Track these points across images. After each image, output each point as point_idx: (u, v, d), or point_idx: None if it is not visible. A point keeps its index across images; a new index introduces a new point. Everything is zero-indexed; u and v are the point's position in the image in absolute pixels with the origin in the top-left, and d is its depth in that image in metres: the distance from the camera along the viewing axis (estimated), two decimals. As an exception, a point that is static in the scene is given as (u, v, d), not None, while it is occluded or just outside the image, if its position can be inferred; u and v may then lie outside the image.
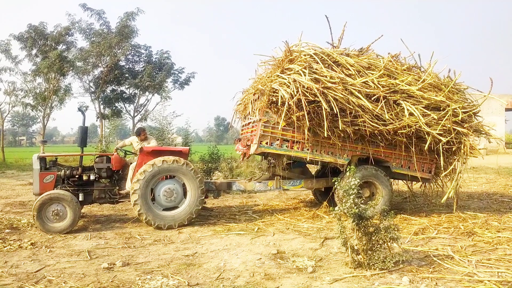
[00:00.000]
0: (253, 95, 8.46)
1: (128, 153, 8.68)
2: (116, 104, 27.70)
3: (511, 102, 32.17)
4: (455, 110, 7.79)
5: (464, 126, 7.92)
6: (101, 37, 24.77)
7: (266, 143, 7.79)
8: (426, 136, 7.63)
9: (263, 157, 9.62)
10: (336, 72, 7.48)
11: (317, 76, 7.31)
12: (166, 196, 7.42)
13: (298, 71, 7.39)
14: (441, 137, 7.60)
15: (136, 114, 28.47)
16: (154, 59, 27.89)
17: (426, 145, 7.65)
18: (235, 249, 5.98)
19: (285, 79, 7.37)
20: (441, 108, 7.81)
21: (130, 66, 27.96)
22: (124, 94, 27.76)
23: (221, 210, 9.29)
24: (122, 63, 27.43)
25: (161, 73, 26.91)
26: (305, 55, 7.62)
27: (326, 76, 7.32)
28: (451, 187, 8.00)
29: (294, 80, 7.24)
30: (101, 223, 7.86)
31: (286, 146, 7.87)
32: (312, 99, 7.18)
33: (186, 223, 7.37)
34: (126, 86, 27.59)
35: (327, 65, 7.58)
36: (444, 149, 7.84)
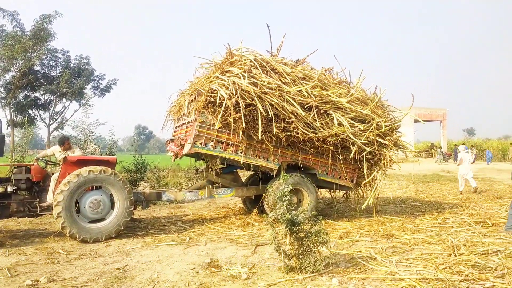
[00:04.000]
0: (190, 96, 8.45)
1: (49, 163, 8.19)
2: (30, 111, 25.91)
3: (418, 114, 35.06)
4: (379, 123, 8.40)
5: (386, 138, 8.56)
6: (14, 40, 23.08)
7: (201, 144, 7.79)
8: (352, 146, 8.14)
9: (195, 160, 9.53)
10: (274, 79, 7.76)
11: (255, 81, 7.51)
12: (92, 208, 7.08)
13: (237, 74, 7.53)
14: (365, 147, 8.14)
15: (52, 122, 26.84)
16: (72, 65, 26.53)
17: (352, 153, 8.15)
18: (168, 260, 5.88)
19: (225, 80, 7.49)
20: (367, 121, 8.38)
21: (46, 71, 26.32)
22: (38, 101, 26.05)
23: (149, 221, 9.07)
24: (37, 67, 25.76)
25: (80, 80, 25.68)
26: (245, 60, 7.81)
27: (264, 82, 7.55)
28: (371, 195, 8.62)
29: (234, 82, 7.36)
30: (19, 238, 7.31)
31: (220, 148, 7.93)
32: (249, 102, 7.35)
33: (113, 235, 7.11)
34: (41, 92, 25.93)
35: (265, 72, 7.84)
36: (367, 159, 8.41)
